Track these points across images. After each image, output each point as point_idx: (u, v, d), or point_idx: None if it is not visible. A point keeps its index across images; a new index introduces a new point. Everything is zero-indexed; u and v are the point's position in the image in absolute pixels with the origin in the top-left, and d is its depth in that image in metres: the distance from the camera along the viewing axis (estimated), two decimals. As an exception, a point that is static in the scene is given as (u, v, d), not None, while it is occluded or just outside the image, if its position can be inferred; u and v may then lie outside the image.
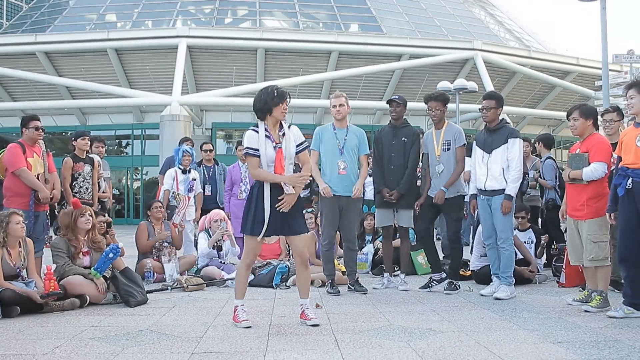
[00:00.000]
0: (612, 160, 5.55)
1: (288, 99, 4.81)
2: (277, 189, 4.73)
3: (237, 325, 4.72)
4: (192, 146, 9.92)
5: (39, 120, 6.78)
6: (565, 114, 5.91)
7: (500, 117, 6.42)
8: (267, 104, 4.74)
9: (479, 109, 6.48)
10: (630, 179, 5.00)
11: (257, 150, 4.73)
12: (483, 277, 6.87)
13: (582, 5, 16.98)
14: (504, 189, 6.14)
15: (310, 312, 4.88)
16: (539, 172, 8.51)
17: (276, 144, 4.77)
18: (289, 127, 4.87)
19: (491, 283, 6.37)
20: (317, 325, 4.73)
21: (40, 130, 6.73)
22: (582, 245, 5.59)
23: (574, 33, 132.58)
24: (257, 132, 4.79)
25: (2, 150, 6.85)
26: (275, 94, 4.74)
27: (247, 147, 4.78)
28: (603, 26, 16.16)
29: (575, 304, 5.61)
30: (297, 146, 4.85)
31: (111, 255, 5.85)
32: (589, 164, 5.49)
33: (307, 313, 4.87)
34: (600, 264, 5.50)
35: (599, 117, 5.96)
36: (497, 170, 6.18)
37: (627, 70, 22.26)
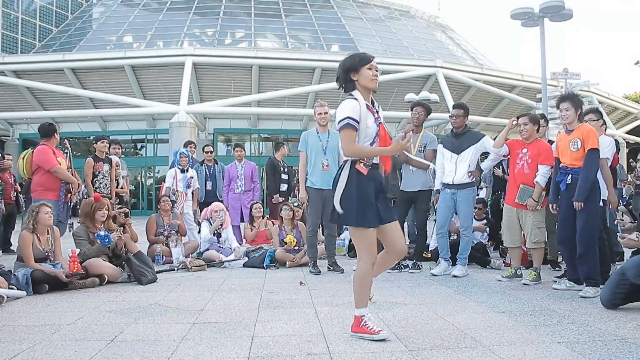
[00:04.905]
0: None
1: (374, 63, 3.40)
2: (374, 172, 3.43)
3: (372, 338, 3.34)
4: (195, 148, 9.87)
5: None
6: (509, 121, 6.08)
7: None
8: (353, 67, 3.36)
9: (449, 116, 6.51)
10: (570, 175, 5.14)
11: (358, 122, 3.30)
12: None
13: (525, 28, 17.19)
14: (468, 183, 6.22)
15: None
16: None
17: (376, 117, 3.40)
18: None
19: (439, 264, 6.41)
20: None
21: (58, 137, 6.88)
22: (520, 230, 5.82)
23: (519, 51, 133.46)
24: (357, 100, 3.33)
25: (27, 152, 6.83)
26: (358, 58, 3.37)
27: (349, 117, 3.27)
28: (542, 47, 16.30)
29: (504, 280, 5.75)
30: None
31: (102, 233, 6.00)
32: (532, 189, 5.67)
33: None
34: (540, 246, 5.74)
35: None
36: (465, 167, 6.22)
37: (562, 85, 22.56)
